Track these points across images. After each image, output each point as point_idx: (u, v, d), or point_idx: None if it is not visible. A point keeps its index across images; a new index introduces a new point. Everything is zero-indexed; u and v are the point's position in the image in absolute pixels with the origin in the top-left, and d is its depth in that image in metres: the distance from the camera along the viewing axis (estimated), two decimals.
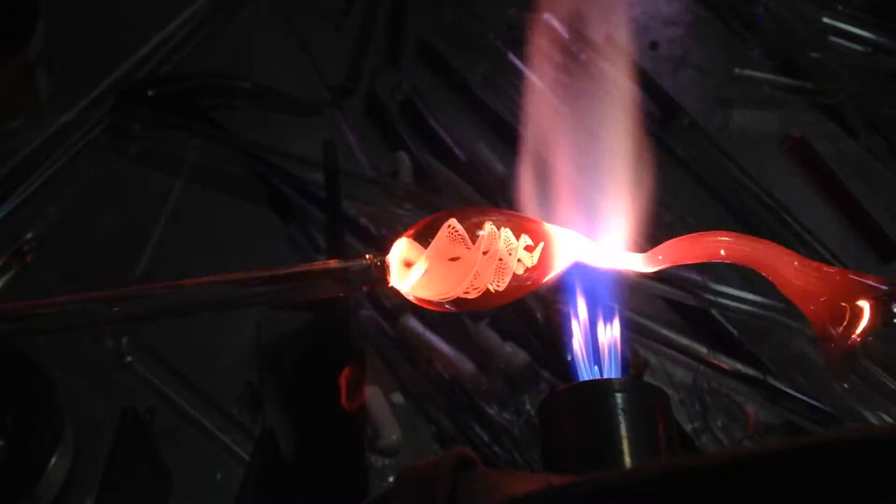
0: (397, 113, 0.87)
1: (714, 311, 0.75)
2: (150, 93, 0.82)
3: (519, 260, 0.41)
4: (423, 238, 0.41)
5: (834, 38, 0.95)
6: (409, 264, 0.41)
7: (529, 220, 0.42)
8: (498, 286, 0.41)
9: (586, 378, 0.43)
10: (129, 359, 0.71)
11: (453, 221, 0.40)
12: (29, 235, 0.75)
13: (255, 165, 0.80)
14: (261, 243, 0.79)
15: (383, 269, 0.42)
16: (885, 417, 0.72)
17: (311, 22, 0.93)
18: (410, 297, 0.42)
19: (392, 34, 0.93)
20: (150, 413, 0.68)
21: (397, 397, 0.71)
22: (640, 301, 0.76)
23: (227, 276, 0.41)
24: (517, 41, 0.92)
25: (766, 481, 0.27)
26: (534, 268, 0.41)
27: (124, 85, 0.84)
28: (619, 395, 0.39)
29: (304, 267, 0.42)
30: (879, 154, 0.89)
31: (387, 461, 0.69)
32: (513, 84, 0.89)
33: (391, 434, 0.68)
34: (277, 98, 0.87)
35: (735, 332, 0.74)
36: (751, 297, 0.73)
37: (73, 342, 0.71)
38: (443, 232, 0.40)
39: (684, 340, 0.74)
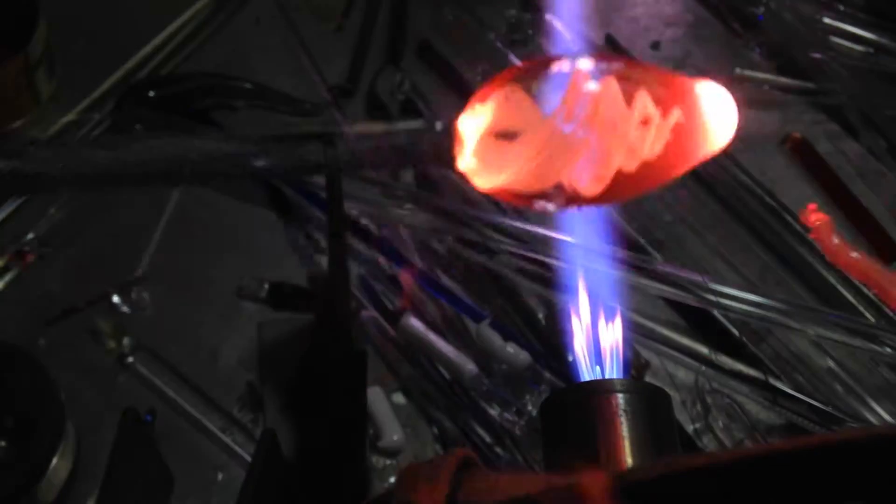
0: (397, 113, 0.87)
1: (715, 312, 0.75)
2: (151, 93, 0.82)
3: (669, 129, 0.31)
4: (530, 82, 0.29)
5: (834, 39, 0.95)
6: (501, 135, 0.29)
7: (668, 74, 0.32)
8: (653, 152, 0.31)
9: (588, 378, 0.43)
10: (130, 359, 0.71)
11: (613, 80, 0.29)
12: (30, 236, 0.75)
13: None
14: (261, 243, 0.79)
15: (448, 139, 0.30)
16: (886, 417, 0.72)
17: (311, 22, 0.93)
18: (489, 187, 0.30)
19: (392, 34, 0.93)
20: (151, 414, 0.68)
21: (398, 397, 0.71)
22: (641, 301, 0.76)
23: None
24: (517, 41, 0.92)
25: (768, 482, 0.27)
26: (679, 140, 0.31)
27: (125, 85, 0.84)
28: (620, 396, 0.39)
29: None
30: (880, 154, 0.89)
31: (388, 461, 0.69)
32: None
33: (392, 434, 0.68)
34: (277, 98, 0.87)
35: (736, 333, 0.74)
36: (752, 297, 0.73)
37: (76, 343, 0.72)
38: (606, 87, 0.29)
39: (686, 341, 0.74)
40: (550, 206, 0.31)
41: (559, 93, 0.29)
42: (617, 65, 0.31)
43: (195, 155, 0.34)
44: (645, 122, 0.30)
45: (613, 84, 0.29)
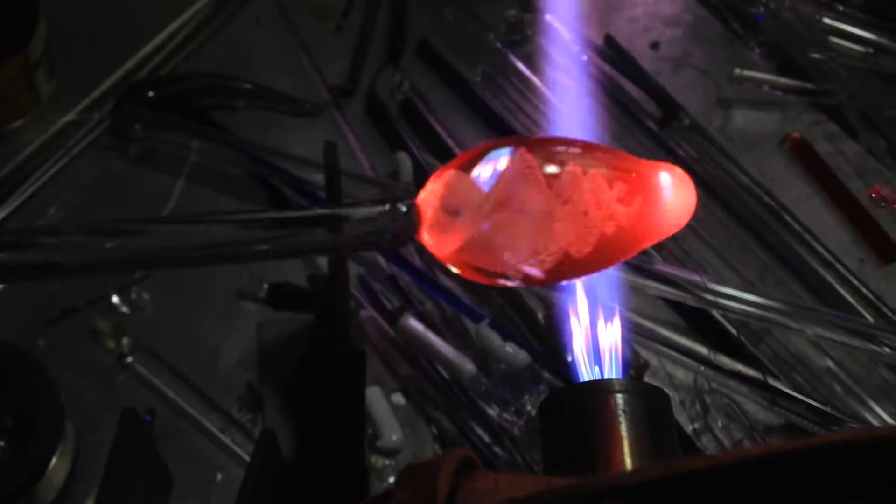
0: (397, 113, 0.87)
1: (714, 312, 0.75)
2: (150, 93, 0.82)
3: (611, 215, 0.30)
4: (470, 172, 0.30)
5: (834, 39, 0.95)
6: (450, 213, 0.31)
7: (626, 158, 0.31)
8: (579, 251, 0.31)
9: (587, 379, 0.43)
10: (129, 359, 0.71)
11: (524, 152, 0.29)
12: None
13: (256, 166, 0.80)
14: None
15: (412, 218, 0.32)
16: (885, 417, 0.72)
17: (311, 22, 0.94)
18: (448, 263, 0.32)
19: (392, 34, 0.93)
20: (150, 414, 0.68)
21: (397, 398, 0.72)
22: (640, 301, 0.76)
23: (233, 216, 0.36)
24: (517, 42, 0.92)
25: (768, 483, 0.27)
26: (631, 226, 0.31)
27: (125, 85, 0.84)
28: (619, 396, 0.39)
29: (310, 213, 0.35)
30: (879, 154, 0.89)
31: (387, 461, 0.69)
32: (513, 84, 0.89)
33: (391, 434, 0.68)
34: (277, 98, 0.87)
35: (735, 333, 0.74)
36: (751, 297, 0.73)
37: (76, 343, 0.72)
38: (513, 166, 0.29)
39: (685, 341, 0.74)
40: (510, 284, 0.32)
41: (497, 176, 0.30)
42: (574, 149, 0.30)
43: (201, 243, 0.35)
44: (586, 213, 0.30)
45: (536, 167, 0.30)
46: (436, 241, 0.32)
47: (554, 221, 0.29)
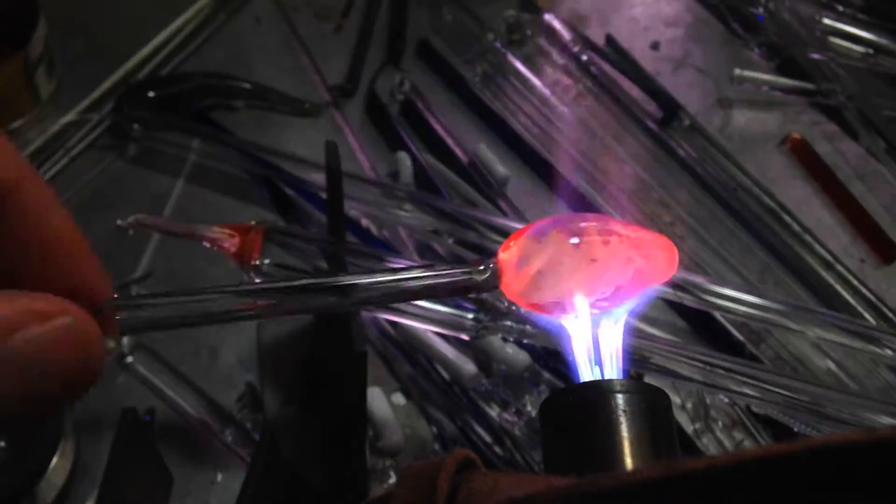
0: (397, 113, 0.87)
1: (715, 313, 0.75)
2: (150, 93, 0.83)
3: (622, 269, 0.42)
4: (536, 239, 0.42)
5: (834, 39, 0.95)
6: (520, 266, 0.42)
7: (630, 226, 0.43)
8: (602, 293, 0.42)
9: (587, 379, 0.43)
10: (129, 359, 0.71)
11: (560, 232, 0.41)
12: None
13: (256, 166, 0.80)
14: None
15: (496, 271, 0.42)
16: (886, 419, 0.72)
17: (310, 22, 0.94)
18: (516, 301, 0.42)
19: (392, 34, 0.93)
20: (150, 414, 0.68)
21: (398, 398, 0.72)
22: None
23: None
24: (517, 41, 0.92)
25: (768, 484, 0.27)
26: (637, 278, 0.43)
27: (125, 85, 0.84)
28: (620, 396, 0.39)
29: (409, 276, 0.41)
30: (879, 155, 0.89)
31: (387, 462, 0.69)
32: (512, 84, 0.89)
33: (392, 435, 0.68)
34: (277, 98, 0.87)
35: (736, 334, 0.74)
36: (751, 298, 0.73)
37: None
38: (590, 235, 0.41)
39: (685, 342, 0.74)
40: (559, 316, 0.43)
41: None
42: (596, 223, 0.42)
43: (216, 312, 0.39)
44: (605, 269, 0.42)
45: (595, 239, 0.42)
46: (508, 286, 0.44)
47: (583, 273, 0.41)
